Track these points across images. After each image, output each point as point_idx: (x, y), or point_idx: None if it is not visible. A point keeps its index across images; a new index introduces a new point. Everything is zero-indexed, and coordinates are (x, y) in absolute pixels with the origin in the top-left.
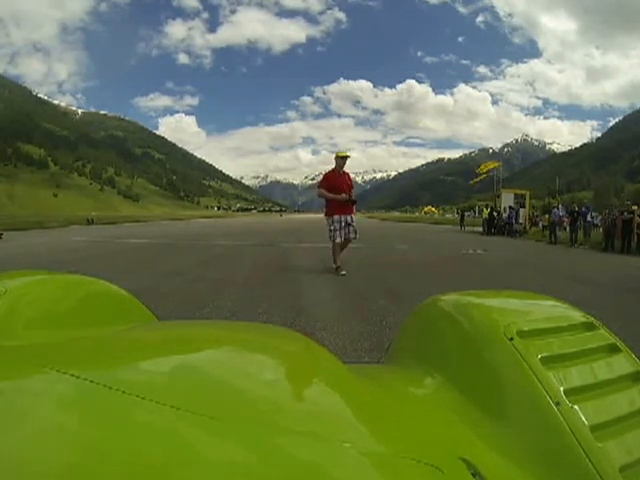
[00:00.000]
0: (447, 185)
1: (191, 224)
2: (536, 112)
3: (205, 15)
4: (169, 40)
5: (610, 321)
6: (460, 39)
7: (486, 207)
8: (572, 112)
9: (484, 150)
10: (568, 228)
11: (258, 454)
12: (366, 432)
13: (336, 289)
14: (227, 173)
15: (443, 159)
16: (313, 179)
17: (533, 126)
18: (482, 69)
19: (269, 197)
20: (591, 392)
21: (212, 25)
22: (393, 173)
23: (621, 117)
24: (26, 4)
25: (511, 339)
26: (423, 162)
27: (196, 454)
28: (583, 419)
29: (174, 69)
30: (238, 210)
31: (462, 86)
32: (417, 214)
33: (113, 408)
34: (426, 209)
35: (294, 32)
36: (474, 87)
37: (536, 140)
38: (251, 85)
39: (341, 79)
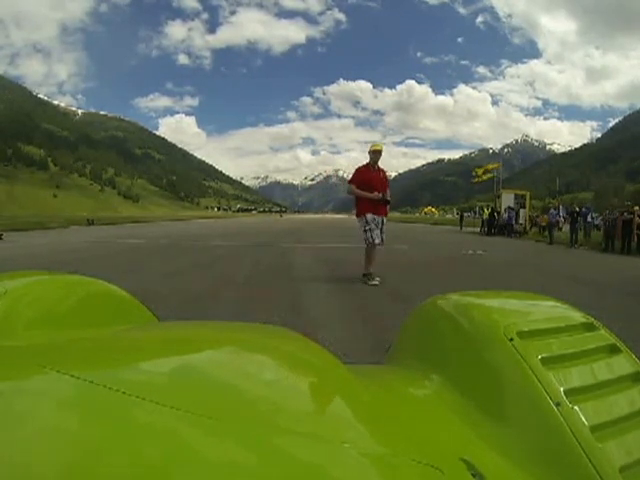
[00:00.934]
0: (447, 185)
1: (191, 224)
2: (536, 112)
3: (205, 16)
4: (169, 41)
5: (610, 322)
6: (460, 39)
7: (487, 207)
8: (572, 112)
9: (484, 150)
10: (568, 228)
11: (258, 455)
12: (366, 432)
13: (340, 291)
14: (227, 174)
15: (443, 159)
16: (313, 179)
17: (533, 126)
18: (482, 69)
19: (269, 197)
20: (591, 392)
21: (212, 26)
22: (393, 174)
23: (621, 117)
24: (26, 5)
25: (511, 339)
26: (423, 162)
27: (196, 455)
28: (583, 419)
29: (174, 70)
30: (238, 211)
31: (462, 86)
32: (417, 214)
33: (113, 409)
34: (426, 209)
35: (294, 33)
36: (474, 87)
37: (536, 140)
38: (251, 86)
39: (341, 79)
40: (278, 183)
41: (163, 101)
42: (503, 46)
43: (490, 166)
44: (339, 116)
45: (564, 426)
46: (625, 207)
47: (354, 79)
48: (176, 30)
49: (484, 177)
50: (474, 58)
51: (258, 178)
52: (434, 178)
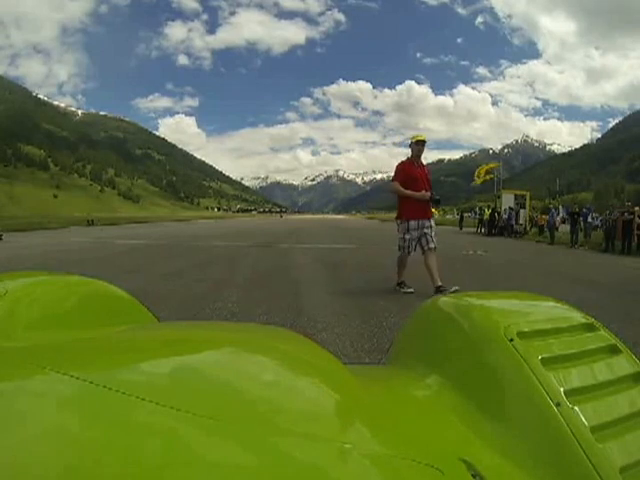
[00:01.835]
0: (447, 186)
1: (191, 225)
2: (536, 113)
3: (204, 17)
4: (169, 41)
5: (611, 322)
6: (459, 40)
7: (488, 208)
8: (572, 113)
9: (484, 151)
10: (568, 228)
11: (259, 455)
12: (366, 433)
13: (341, 292)
14: (227, 174)
15: (443, 160)
16: (313, 180)
17: (533, 127)
18: (482, 70)
19: (269, 198)
20: (591, 393)
21: (211, 27)
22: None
23: (621, 118)
24: (27, 6)
25: (511, 340)
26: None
27: (196, 455)
28: (583, 420)
29: (174, 70)
30: (238, 211)
31: (462, 87)
32: None
33: (113, 409)
34: None
35: (293, 33)
36: (474, 88)
37: (536, 141)
38: (251, 86)
39: (340, 80)
40: (278, 183)
41: (163, 101)
42: (503, 46)
43: (491, 165)
44: (339, 117)
45: (564, 426)
46: (625, 207)
47: (354, 80)
48: (176, 31)
49: (486, 177)
50: (474, 58)
51: (258, 178)
52: (434, 178)
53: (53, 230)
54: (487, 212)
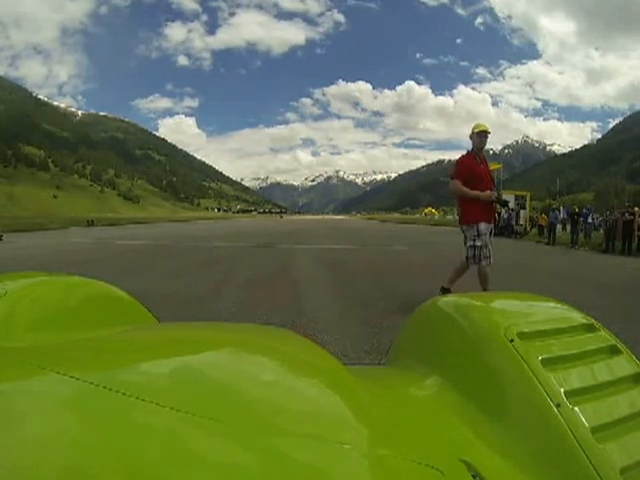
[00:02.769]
0: (447, 186)
1: (191, 226)
2: (536, 113)
3: (204, 17)
4: (169, 42)
5: (612, 323)
6: (459, 40)
7: None
8: (572, 113)
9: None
10: (569, 229)
11: (259, 456)
12: (367, 434)
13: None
14: (227, 174)
15: (443, 160)
16: (313, 180)
17: (533, 127)
18: (481, 70)
19: (269, 198)
20: (592, 394)
21: (211, 27)
22: (393, 175)
23: (621, 118)
24: (27, 7)
25: (512, 341)
26: (423, 163)
27: (197, 456)
28: (584, 421)
29: (174, 71)
30: (238, 212)
31: (462, 87)
32: (417, 215)
33: (113, 410)
34: (426, 211)
35: (293, 34)
36: (474, 88)
37: (536, 141)
38: (250, 87)
39: (340, 81)
40: (278, 184)
41: (163, 102)
42: (503, 47)
43: (491, 167)
44: (339, 117)
45: (564, 427)
46: (626, 208)
47: (353, 80)
48: (176, 32)
49: None
50: (474, 59)
51: (258, 179)
52: (434, 179)
53: (53, 231)
54: None
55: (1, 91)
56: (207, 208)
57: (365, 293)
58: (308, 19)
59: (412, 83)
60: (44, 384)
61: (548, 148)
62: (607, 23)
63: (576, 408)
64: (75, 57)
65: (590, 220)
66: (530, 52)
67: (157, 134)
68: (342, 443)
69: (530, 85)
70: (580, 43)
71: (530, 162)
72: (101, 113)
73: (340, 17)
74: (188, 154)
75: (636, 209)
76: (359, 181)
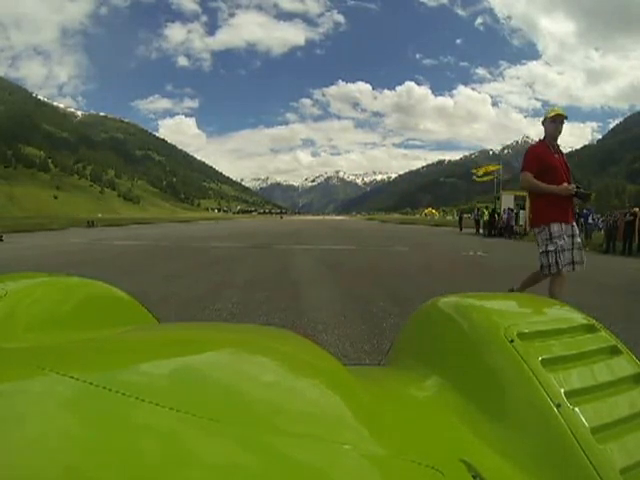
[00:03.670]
0: (447, 187)
1: (192, 226)
2: (536, 114)
3: (204, 18)
4: (168, 43)
5: (613, 324)
6: (459, 41)
7: (486, 208)
8: (572, 114)
9: (484, 152)
10: None
11: (259, 456)
12: (367, 434)
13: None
14: (227, 175)
15: (443, 161)
16: (313, 181)
17: (533, 128)
18: (481, 71)
19: (269, 199)
20: (592, 394)
21: (211, 28)
22: (393, 175)
23: (621, 119)
24: (27, 8)
25: (512, 341)
26: (423, 164)
27: (196, 456)
28: (584, 421)
29: (174, 72)
30: (238, 212)
31: (461, 88)
32: (417, 216)
33: (112, 410)
34: (426, 211)
35: (293, 35)
36: (473, 89)
37: None
38: (250, 87)
39: (340, 81)
40: (278, 184)
41: (163, 103)
42: (502, 47)
43: (491, 167)
44: (339, 117)
45: (565, 427)
46: (626, 208)
47: (353, 81)
48: (175, 32)
49: (484, 178)
50: (473, 59)
51: (258, 179)
52: (434, 179)
53: (53, 231)
54: (486, 213)
55: (1, 92)
56: (207, 209)
57: (366, 295)
58: (308, 20)
59: (412, 84)
60: (44, 384)
61: None
62: (607, 23)
63: (576, 408)
64: (75, 58)
65: (591, 220)
66: (530, 52)
67: (157, 135)
68: (342, 443)
69: (530, 85)
70: (580, 43)
71: None
72: (101, 114)
73: (340, 17)
74: (188, 155)
75: (636, 209)
76: (359, 181)
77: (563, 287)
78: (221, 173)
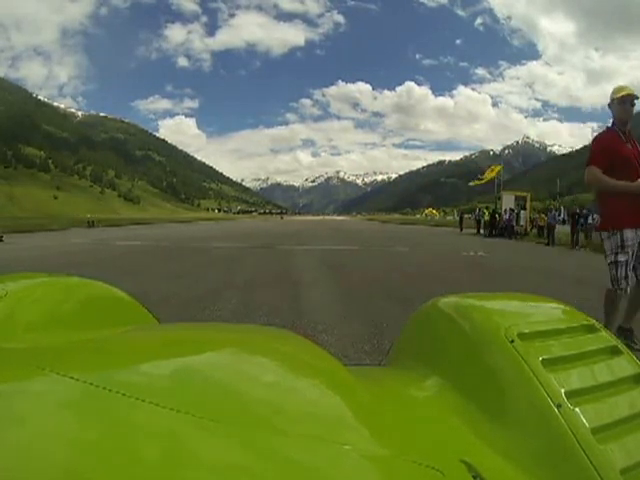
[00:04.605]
0: (448, 187)
1: (192, 226)
2: (536, 114)
3: (204, 19)
4: (168, 43)
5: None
6: (458, 41)
7: (487, 208)
8: (572, 114)
9: (484, 152)
10: (568, 230)
11: (259, 457)
12: (367, 434)
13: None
14: (227, 175)
15: (444, 161)
16: (313, 181)
17: (533, 128)
18: (481, 71)
19: (270, 199)
20: (592, 394)
21: (211, 29)
22: (393, 175)
23: None
24: (27, 9)
25: (512, 341)
26: (423, 164)
27: (197, 457)
28: (584, 421)
29: (173, 72)
30: (239, 212)
31: (461, 88)
32: (418, 216)
33: (113, 410)
34: (427, 211)
35: (293, 35)
36: (473, 89)
37: (537, 142)
38: (250, 88)
39: (340, 81)
40: (278, 185)
41: (163, 103)
42: (502, 48)
43: (496, 168)
44: (339, 118)
45: (565, 428)
46: None
47: (353, 81)
48: (175, 33)
49: (487, 177)
50: (473, 60)
51: (258, 180)
52: (435, 180)
53: (54, 231)
54: (487, 213)
55: (1, 92)
56: (207, 209)
57: (367, 297)
58: (308, 20)
59: (412, 84)
60: (44, 385)
61: (548, 149)
62: (607, 24)
63: (577, 409)
64: (75, 58)
65: (590, 220)
66: (530, 53)
67: (157, 135)
68: (342, 444)
69: (530, 86)
70: (580, 44)
71: (530, 163)
72: (101, 114)
73: (340, 18)
74: (188, 155)
75: None
76: (359, 182)
77: (616, 303)
78: (221, 173)
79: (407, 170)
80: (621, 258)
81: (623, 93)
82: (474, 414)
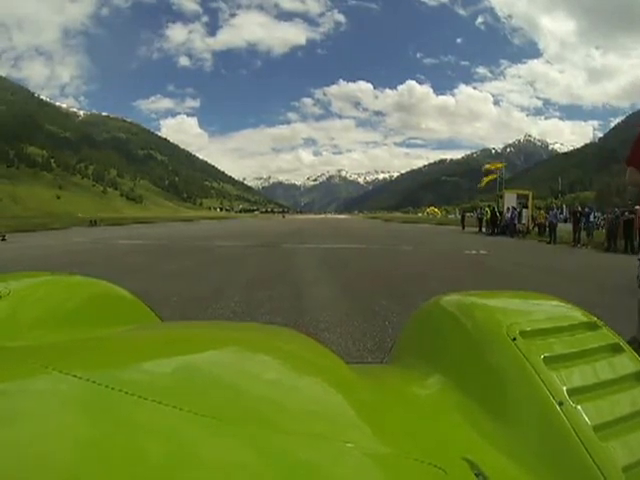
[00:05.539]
0: (449, 186)
1: (194, 225)
2: (537, 112)
3: (205, 19)
4: (170, 43)
5: (615, 323)
6: (459, 40)
7: (488, 207)
8: (573, 112)
9: (486, 150)
10: (570, 228)
11: (261, 454)
12: (369, 432)
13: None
14: (229, 174)
15: (445, 160)
16: (315, 180)
17: (535, 126)
18: (482, 70)
19: (271, 198)
20: (594, 392)
21: (212, 28)
22: (395, 174)
23: (623, 117)
24: (28, 9)
25: (514, 339)
26: (425, 163)
27: (199, 455)
28: (586, 419)
29: (175, 72)
30: (240, 211)
31: (463, 87)
32: (420, 215)
33: (115, 408)
34: (429, 210)
35: (293, 34)
36: (475, 88)
37: (538, 140)
38: (251, 87)
39: (341, 80)
40: (280, 183)
41: (165, 102)
42: (503, 46)
43: (498, 165)
44: (340, 117)
45: (567, 425)
46: (627, 207)
47: (354, 80)
48: (177, 33)
49: (488, 179)
50: (474, 58)
51: (260, 179)
52: (436, 178)
53: (56, 231)
54: (488, 212)
55: (3, 92)
56: (209, 208)
57: (374, 292)
58: (309, 19)
59: (413, 83)
60: (47, 383)
61: (550, 147)
62: (608, 22)
63: (579, 406)
64: (77, 58)
65: (592, 219)
66: (531, 51)
67: (159, 134)
68: (345, 442)
69: (531, 84)
70: (581, 42)
71: (532, 161)
72: (103, 113)
73: (340, 17)
74: (190, 154)
75: (637, 208)
76: (361, 180)
77: None
78: (223, 172)
79: (409, 169)
80: None
81: None
82: (476, 412)
